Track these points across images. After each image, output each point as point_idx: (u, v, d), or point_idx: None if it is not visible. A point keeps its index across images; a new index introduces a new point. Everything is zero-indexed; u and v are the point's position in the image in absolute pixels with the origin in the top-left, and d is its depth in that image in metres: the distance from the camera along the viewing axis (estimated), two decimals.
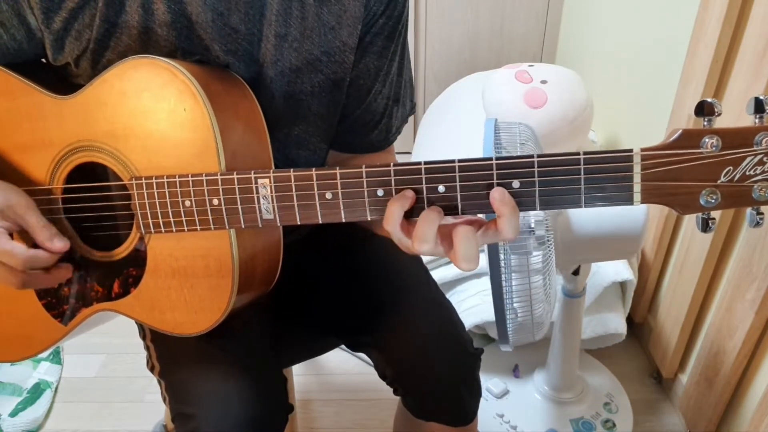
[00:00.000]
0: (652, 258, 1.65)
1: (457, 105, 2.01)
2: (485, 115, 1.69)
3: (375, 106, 0.94)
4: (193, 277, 0.77)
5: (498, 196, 0.62)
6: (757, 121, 0.57)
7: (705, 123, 0.58)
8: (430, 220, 0.63)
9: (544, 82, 1.59)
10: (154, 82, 0.74)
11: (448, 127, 1.89)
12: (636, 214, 1.12)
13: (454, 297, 1.67)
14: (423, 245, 0.64)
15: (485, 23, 2.28)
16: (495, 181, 0.62)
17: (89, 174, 0.81)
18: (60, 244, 0.76)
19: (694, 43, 1.36)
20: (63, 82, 0.83)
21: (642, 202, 0.59)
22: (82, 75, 0.82)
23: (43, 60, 0.84)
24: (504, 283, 1.04)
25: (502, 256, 1.01)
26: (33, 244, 0.76)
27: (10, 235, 0.75)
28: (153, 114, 0.75)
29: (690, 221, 1.47)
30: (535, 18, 2.28)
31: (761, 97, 0.56)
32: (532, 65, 1.65)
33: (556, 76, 1.60)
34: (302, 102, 0.88)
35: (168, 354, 0.94)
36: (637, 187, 0.59)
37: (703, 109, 0.58)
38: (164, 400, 0.92)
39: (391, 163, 0.63)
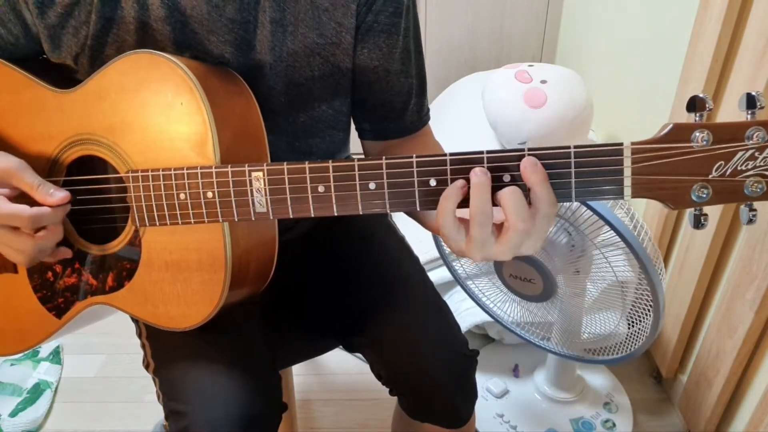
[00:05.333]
0: None
1: (457, 105, 2.01)
2: (485, 115, 1.69)
3: (400, 86, 0.92)
4: (186, 270, 0.77)
5: (529, 165, 0.60)
6: (749, 116, 0.56)
7: (696, 118, 0.58)
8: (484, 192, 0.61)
9: (543, 82, 1.59)
10: (152, 76, 0.75)
11: (448, 127, 1.89)
12: None
13: (454, 297, 1.67)
14: (482, 225, 0.61)
15: (485, 23, 2.28)
16: None
17: (88, 167, 0.82)
18: (60, 195, 0.75)
19: (694, 43, 1.35)
20: (64, 77, 0.84)
21: (633, 197, 0.59)
22: (81, 71, 0.83)
23: (44, 56, 0.84)
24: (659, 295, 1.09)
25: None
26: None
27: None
28: (150, 108, 0.75)
29: (689, 224, 1.46)
30: (535, 18, 2.28)
31: (753, 93, 0.56)
32: (531, 65, 1.65)
33: (555, 76, 1.61)
34: (303, 87, 0.87)
35: (162, 352, 0.94)
36: (627, 181, 0.59)
37: (695, 105, 0.58)
38: (158, 398, 0.92)
39: (383, 157, 0.63)
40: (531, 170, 0.59)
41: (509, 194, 0.60)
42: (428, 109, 0.99)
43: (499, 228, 0.62)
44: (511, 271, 1.23)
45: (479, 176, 0.60)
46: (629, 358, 1.26)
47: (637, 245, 1.04)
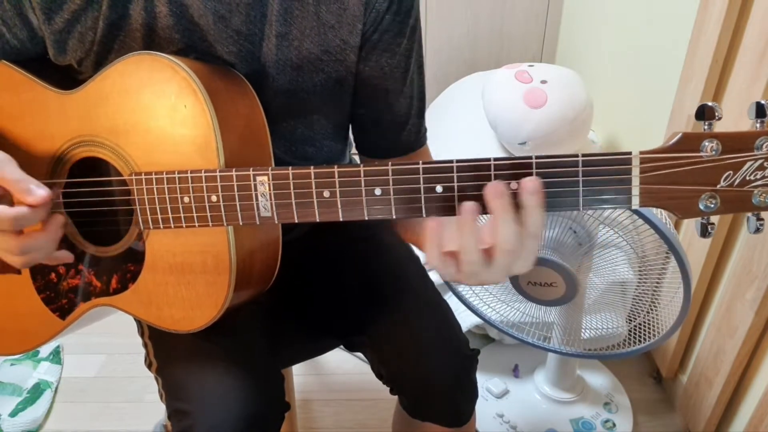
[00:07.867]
0: None
1: (457, 105, 2.01)
2: (485, 115, 1.69)
3: (399, 107, 0.93)
4: (191, 273, 0.77)
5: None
6: (758, 125, 0.56)
7: (705, 127, 0.57)
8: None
9: (543, 82, 1.58)
10: (155, 78, 0.74)
11: (448, 128, 1.89)
12: None
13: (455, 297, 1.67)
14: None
15: (485, 23, 2.28)
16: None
17: (90, 169, 0.81)
18: (39, 193, 0.68)
19: (694, 44, 1.35)
20: (67, 77, 0.83)
21: (641, 206, 0.59)
22: (85, 74, 0.83)
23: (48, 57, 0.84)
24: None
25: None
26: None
27: None
28: (154, 110, 0.75)
29: (690, 222, 1.47)
30: (535, 18, 2.28)
31: (762, 102, 0.55)
32: (532, 65, 1.65)
33: (556, 76, 1.60)
34: (303, 101, 0.87)
35: (165, 351, 0.94)
36: (635, 191, 0.58)
37: (704, 113, 0.57)
38: (161, 398, 0.92)
39: (389, 163, 0.63)
40: (531, 191, 0.60)
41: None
42: (426, 130, 1.00)
43: (486, 252, 0.63)
44: (530, 279, 1.23)
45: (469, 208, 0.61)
46: (651, 347, 1.26)
47: (664, 227, 1.05)
